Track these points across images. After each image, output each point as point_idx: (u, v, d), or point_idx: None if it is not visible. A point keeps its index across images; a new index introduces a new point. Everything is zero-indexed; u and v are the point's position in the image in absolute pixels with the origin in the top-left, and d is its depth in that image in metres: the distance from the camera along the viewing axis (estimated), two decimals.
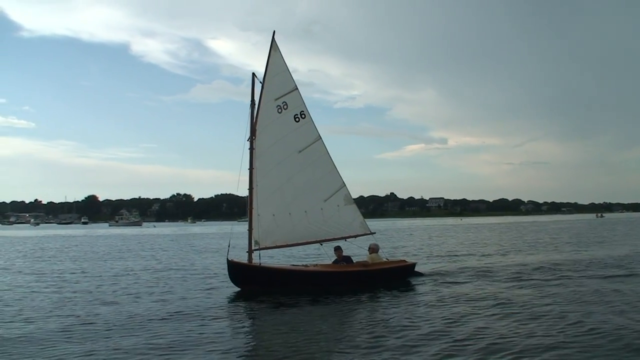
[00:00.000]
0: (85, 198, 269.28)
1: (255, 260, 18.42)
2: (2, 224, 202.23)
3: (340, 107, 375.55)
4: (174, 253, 39.04)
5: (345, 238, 19.90)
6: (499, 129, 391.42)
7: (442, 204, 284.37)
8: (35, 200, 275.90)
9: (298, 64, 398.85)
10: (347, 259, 19.60)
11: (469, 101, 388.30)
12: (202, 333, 12.37)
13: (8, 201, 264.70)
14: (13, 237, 78.81)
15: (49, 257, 36.73)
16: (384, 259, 20.37)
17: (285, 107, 19.54)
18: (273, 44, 19.49)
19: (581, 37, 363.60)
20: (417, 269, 21.11)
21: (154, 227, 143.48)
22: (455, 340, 11.17)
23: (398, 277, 19.59)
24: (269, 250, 20.04)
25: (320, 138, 20.07)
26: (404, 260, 21.10)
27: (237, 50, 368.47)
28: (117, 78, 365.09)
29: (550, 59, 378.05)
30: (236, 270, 18.20)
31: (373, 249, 19.95)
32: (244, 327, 13.61)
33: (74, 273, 25.55)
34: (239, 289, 18.15)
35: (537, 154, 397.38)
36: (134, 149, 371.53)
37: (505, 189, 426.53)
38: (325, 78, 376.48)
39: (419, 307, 15.03)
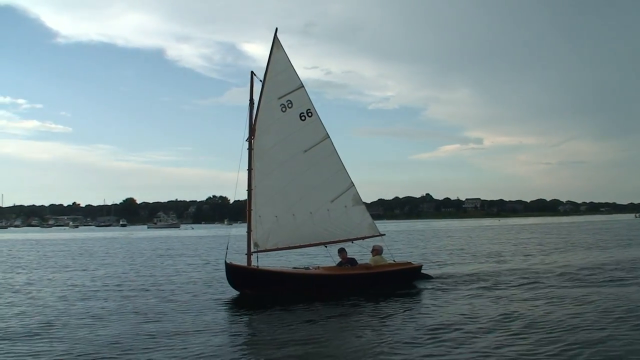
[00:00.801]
0: (123, 201, 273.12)
1: (255, 263, 17.97)
2: (42, 226, 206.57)
3: (375, 108, 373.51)
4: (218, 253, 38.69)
5: (352, 240, 19.32)
6: (535, 128, 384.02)
7: (478, 205, 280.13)
8: (74, 203, 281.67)
9: (332, 65, 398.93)
10: (352, 261, 19.01)
11: (505, 100, 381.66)
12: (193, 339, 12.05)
13: (47, 204, 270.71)
14: (57, 240, 79.22)
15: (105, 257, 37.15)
16: (389, 261, 19.60)
17: (289, 105, 19.05)
18: (275, 42, 19.02)
19: (619, 35, 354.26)
20: (430, 272, 20.56)
21: (192, 229, 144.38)
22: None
23: (403, 280, 18.87)
24: (273, 253, 19.66)
25: (328, 137, 19.53)
26: (410, 263, 20.34)
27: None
28: (152, 82, 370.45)
29: (587, 57, 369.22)
30: (234, 273, 17.77)
31: (377, 251, 19.33)
32: (238, 331, 13.27)
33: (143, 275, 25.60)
34: (237, 292, 17.82)
35: (574, 154, 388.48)
36: (169, 152, 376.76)
37: (542, 189, 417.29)
38: (359, 79, 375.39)
39: (415, 313, 14.55)
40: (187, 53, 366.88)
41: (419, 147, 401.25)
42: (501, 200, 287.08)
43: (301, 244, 19.06)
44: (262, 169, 18.65)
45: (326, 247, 19.32)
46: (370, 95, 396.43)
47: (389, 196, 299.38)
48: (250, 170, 18.53)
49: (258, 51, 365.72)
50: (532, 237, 54.21)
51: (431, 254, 34.24)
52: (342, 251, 19.12)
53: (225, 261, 17.89)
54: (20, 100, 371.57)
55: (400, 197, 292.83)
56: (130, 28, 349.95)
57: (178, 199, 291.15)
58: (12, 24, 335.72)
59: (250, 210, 18.42)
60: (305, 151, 19.21)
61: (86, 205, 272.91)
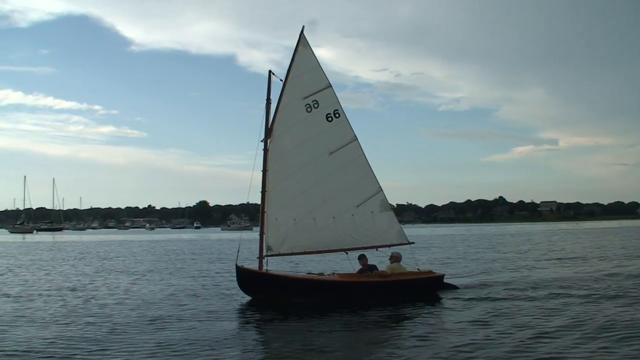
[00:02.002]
0: (197, 204, 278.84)
1: (270, 267, 17.54)
2: (118, 228, 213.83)
3: (445, 109, 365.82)
4: None
5: (377, 247, 18.39)
6: (611, 128, 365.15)
7: (554, 208, 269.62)
8: (149, 205, 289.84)
9: (401, 67, 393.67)
10: (372, 268, 18.06)
11: (580, 100, 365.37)
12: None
13: (123, 207, 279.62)
14: (142, 241, 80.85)
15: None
16: (407, 270, 18.38)
17: (315, 105, 18.36)
18: (301, 40, 18.42)
19: None
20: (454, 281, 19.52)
21: (253, 231, 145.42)
22: None
23: (421, 290, 17.79)
24: (291, 257, 19.02)
25: (356, 139, 18.73)
26: (431, 272, 19.01)
27: (339, 56, 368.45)
28: (223, 88, 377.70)
29: None
30: (244, 278, 17.40)
31: (394, 258, 18.21)
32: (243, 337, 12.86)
33: None
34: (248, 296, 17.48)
35: None
36: (241, 155, 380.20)
37: (620, 191, 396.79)
38: (429, 81, 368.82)
39: (427, 326, 13.65)
40: (258, 58, 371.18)
41: (491, 149, 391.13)
42: (577, 202, 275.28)
43: (320, 249, 18.39)
44: (281, 171, 18.07)
45: (347, 253, 18.42)
46: (440, 97, 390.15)
47: (460, 199, 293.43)
48: (264, 171, 17.94)
49: (326, 55, 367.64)
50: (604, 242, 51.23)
51: (474, 259, 32.68)
52: (362, 258, 18.17)
53: (236, 264, 17.50)
54: (97, 107, 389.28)
55: (473, 200, 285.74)
56: (202, 35, 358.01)
57: (249, 202, 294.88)
58: (87, 33, 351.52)
59: (263, 212, 17.83)
60: (331, 153, 18.47)
61: (161, 208, 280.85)
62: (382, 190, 18.89)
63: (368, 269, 18.00)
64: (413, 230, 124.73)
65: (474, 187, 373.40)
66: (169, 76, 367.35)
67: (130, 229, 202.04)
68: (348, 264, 18.44)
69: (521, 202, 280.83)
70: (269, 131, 18.08)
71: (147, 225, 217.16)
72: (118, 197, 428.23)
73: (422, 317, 14.75)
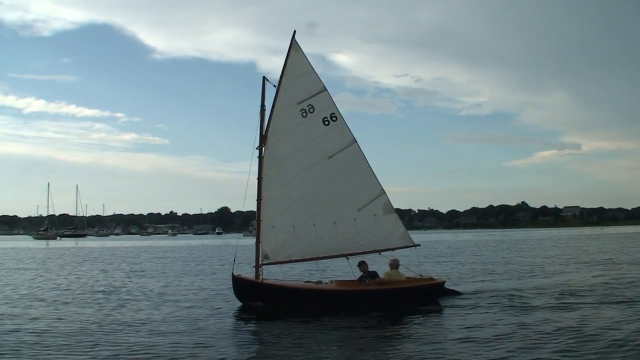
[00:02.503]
0: (218, 210, 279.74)
1: (268, 276, 17.32)
2: (141, 234, 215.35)
3: (466, 114, 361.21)
4: None
5: (379, 251, 18.01)
6: (635, 132, 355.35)
7: (577, 213, 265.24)
8: (171, 212, 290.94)
9: (422, 72, 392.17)
10: (373, 275, 17.60)
11: (603, 103, 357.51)
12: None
13: (145, 213, 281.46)
14: (166, 247, 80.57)
15: None
16: (406, 276, 17.83)
17: (311, 110, 18.09)
18: (293, 45, 18.16)
19: None
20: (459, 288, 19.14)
21: None
22: None
23: (420, 297, 17.20)
24: (291, 265, 18.75)
25: (356, 141, 18.41)
26: (432, 278, 18.40)
27: (360, 62, 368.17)
28: (244, 95, 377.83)
29: None
30: (240, 287, 17.18)
31: (393, 264, 17.69)
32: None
33: None
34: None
35: None
36: None
37: None
38: (450, 86, 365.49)
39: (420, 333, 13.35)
40: (278, 65, 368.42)
41: (513, 154, 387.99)
42: (601, 208, 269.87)
43: (320, 256, 18.10)
44: (277, 178, 17.83)
45: (348, 259, 18.00)
46: (461, 102, 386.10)
47: (482, 204, 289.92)
48: (260, 179, 17.72)
49: (347, 61, 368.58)
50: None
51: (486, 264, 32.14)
52: (362, 264, 17.77)
53: (232, 273, 17.30)
54: (119, 114, 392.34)
55: (495, 205, 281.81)
56: (223, 43, 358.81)
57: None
58: (109, 42, 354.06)
59: (259, 220, 17.59)
60: (330, 157, 18.16)
61: (183, 214, 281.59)
62: (384, 192, 18.52)
63: (369, 275, 17.60)
64: (434, 236, 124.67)
65: (496, 193, 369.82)
66: (190, 83, 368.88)
67: (152, 235, 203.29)
68: (349, 270, 18.16)
69: (544, 207, 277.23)
70: (263, 138, 17.86)
71: (170, 231, 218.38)
72: (140, 204, 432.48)
73: (418, 324, 14.48)
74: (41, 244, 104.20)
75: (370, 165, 18.52)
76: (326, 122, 18.21)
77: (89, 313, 16.59)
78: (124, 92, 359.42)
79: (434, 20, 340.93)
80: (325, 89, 18.33)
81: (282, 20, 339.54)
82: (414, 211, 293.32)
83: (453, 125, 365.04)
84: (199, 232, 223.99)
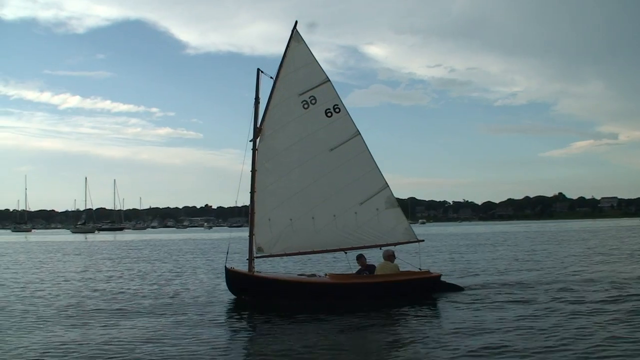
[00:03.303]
0: None
1: (268, 268, 17.13)
2: (177, 227, 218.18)
3: (501, 104, 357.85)
4: None
5: (380, 246, 17.59)
6: None
7: (615, 204, 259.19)
8: (206, 205, 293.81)
9: (455, 63, 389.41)
10: (371, 269, 17.29)
11: None
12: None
13: (181, 206, 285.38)
14: (204, 239, 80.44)
15: None
16: (399, 269, 17.36)
17: (313, 101, 17.82)
18: (294, 35, 17.87)
19: None
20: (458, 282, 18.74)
21: None
22: None
23: (414, 291, 16.79)
24: (290, 258, 18.56)
25: (359, 134, 18.06)
26: (428, 272, 17.78)
27: (393, 53, 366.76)
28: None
29: None
30: (233, 280, 17.10)
31: (388, 257, 17.22)
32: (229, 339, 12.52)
33: None
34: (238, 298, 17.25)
35: None
36: None
37: None
38: (484, 76, 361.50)
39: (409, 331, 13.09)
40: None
41: (549, 144, 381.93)
42: (639, 198, 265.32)
43: (316, 250, 17.80)
44: (274, 170, 17.64)
45: (346, 253, 17.73)
46: (496, 92, 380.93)
47: (518, 196, 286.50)
48: (253, 172, 17.52)
49: (380, 52, 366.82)
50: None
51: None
52: (360, 257, 17.49)
53: (225, 266, 17.23)
54: (154, 109, 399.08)
55: (531, 196, 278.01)
56: (256, 36, 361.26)
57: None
58: (142, 38, 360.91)
59: (253, 213, 17.45)
60: (332, 150, 17.87)
61: (217, 207, 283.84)
62: (388, 186, 18.17)
63: (367, 269, 17.31)
64: (469, 228, 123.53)
65: (533, 184, 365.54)
66: (223, 78, 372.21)
67: (188, 228, 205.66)
68: (346, 264, 17.94)
69: (581, 198, 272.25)
70: (258, 130, 17.66)
71: (205, 224, 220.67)
72: (176, 197, 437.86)
73: (413, 319, 14.16)
74: (79, 237, 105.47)
75: (374, 158, 18.17)
76: (329, 114, 17.91)
77: None
78: (159, 87, 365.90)
79: (467, 10, 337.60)
80: (328, 80, 18.03)
81: (314, 13, 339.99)
82: (449, 203, 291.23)
83: (488, 116, 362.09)
84: (234, 224, 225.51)
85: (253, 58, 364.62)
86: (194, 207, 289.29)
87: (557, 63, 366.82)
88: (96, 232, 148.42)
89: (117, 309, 15.97)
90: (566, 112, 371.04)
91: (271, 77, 17.72)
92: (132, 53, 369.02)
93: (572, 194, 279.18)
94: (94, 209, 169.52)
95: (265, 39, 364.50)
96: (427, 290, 17.17)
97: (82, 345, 11.50)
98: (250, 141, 17.62)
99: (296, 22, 17.92)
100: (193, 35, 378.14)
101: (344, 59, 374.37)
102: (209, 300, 17.35)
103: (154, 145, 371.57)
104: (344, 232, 17.62)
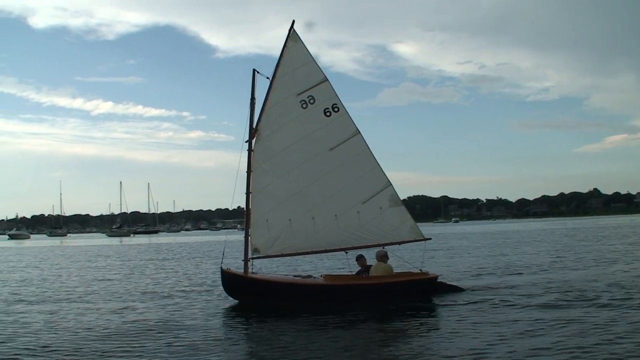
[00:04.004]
0: None
1: (271, 269, 17.11)
2: (210, 229, 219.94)
3: (533, 100, 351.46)
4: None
5: (383, 245, 17.30)
6: None
7: None
8: (238, 207, 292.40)
9: (485, 59, 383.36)
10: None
11: None
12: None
13: (213, 209, 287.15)
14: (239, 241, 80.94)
15: None
16: (392, 270, 16.99)
17: (311, 101, 17.67)
18: (291, 35, 17.76)
19: None
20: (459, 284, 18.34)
21: None
22: None
23: (410, 293, 16.34)
24: (291, 258, 18.48)
25: (359, 132, 17.84)
26: (424, 273, 17.23)
27: (422, 51, 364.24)
28: None
29: None
30: (228, 281, 17.17)
31: (381, 258, 16.85)
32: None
33: None
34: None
35: None
36: None
37: None
38: (516, 71, 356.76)
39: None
40: (340, 58, 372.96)
41: (583, 139, 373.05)
42: None
43: (315, 250, 17.65)
44: (272, 171, 17.56)
45: (346, 253, 17.50)
46: (527, 87, 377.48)
47: (553, 192, 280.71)
48: (249, 173, 17.48)
49: (409, 50, 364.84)
50: None
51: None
52: (360, 258, 17.27)
53: (221, 267, 17.29)
54: (185, 113, 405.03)
55: (566, 193, 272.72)
56: (284, 38, 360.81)
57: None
58: (172, 43, 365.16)
59: (248, 214, 17.40)
60: (332, 149, 17.69)
61: None
62: (391, 184, 17.89)
63: (367, 270, 17.07)
64: (504, 226, 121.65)
65: (567, 180, 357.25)
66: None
67: (221, 230, 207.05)
68: (347, 265, 17.80)
69: (617, 193, 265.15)
70: (255, 131, 17.61)
71: (238, 226, 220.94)
72: (208, 200, 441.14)
73: (405, 321, 14.02)
74: (114, 241, 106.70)
75: (375, 157, 17.86)
76: (327, 113, 17.75)
77: None
78: (189, 91, 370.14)
79: (496, 4, 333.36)
80: (327, 79, 17.87)
81: (342, 13, 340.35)
82: (482, 201, 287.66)
83: (520, 112, 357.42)
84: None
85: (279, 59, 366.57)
86: (227, 209, 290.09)
87: (588, 56, 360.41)
88: (132, 235, 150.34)
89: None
90: (599, 106, 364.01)
91: (267, 78, 17.66)
92: (162, 58, 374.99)
93: (607, 190, 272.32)
94: (128, 212, 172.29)
95: None
96: (423, 291, 16.71)
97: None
98: (246, 142, 17.55)
99: (293, 21, 17.87)
100: (222, 39, 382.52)
101: (372, 58, 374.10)
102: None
103: (186, 149, 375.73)
104: (345, 232, 17.42)
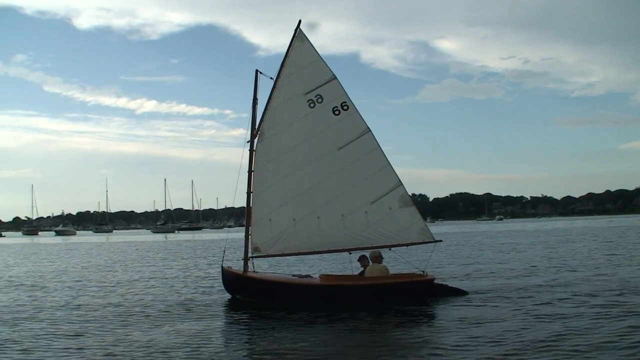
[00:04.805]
0: None
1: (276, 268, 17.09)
2: None
3: (578, 95, 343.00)
4: None
5: (390, 246, 16.99)
6: None
7: None
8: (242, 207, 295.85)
9: (529, 54, 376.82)
10: None
11: None
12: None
13: None
14: None
15: None
16: (388, 272, 16.56)
17: (319, 100, 17.49)
18: (298, 34, 17.63)
19: None
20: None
21: None
22: None
23: (405, 295, 15.84)
24: (294, 258, 18.37)
25: (370, 131, 17.53)
26: (420, 274, 16.49)
27: (464, 47, 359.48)
28: (349, 86, 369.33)
29: None
30: (227, 279, 17.63)
31: (375, 259, 16.46)
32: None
33: None
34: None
35: None
36: None
37: None
38: (560, 66, 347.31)
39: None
40: (381, 55, 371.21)
41: (630, 135, 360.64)
42: None
43: (319, 250, 17.56)
44: (277, 171, 17.49)
45: (350, 253, 17.19)
46: (572, 82, 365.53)
47: (599, 190, 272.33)
48: (250, 172, 17.47)
49: (451, 46, 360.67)
50: None
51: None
52: (363, 259, 16.88)
53: (222, 265, 17.65)
54: (228, 111, 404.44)
55: (612, 190, 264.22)
56: (326, 36, 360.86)
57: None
58: (215, 42, 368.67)
59: (249, 213, 17.44)
60: (340, 148, 17.45)
61: None
62: (402, 184, 17.51)
63: None
64: (549, 224, 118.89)
65: (613, 177, 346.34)
66: None
67: None
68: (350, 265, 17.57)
69: None
70: (258, 131, 17.57)
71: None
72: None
73: (394, 322, 13.78)
74: (159, 237, 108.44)
75: (386, 156, 17.58)
76: (336, 112, 17.54)
77: None
78: (232, 89, 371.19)
79: None
80: (335, 78, 17.65)
81: (384, 10, 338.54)
82: (526, 198, 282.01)
83: (564, 108, 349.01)
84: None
85: (324, 57, 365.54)
86: None
87: (635, 50, 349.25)
88: (176, 232, 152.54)
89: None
90: None
91: (271, 78, 17.63)
92: (205, 57, 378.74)
93: None
94: (172, 209, 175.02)
95: (335, 38, 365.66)
96: (420, 293, 16.20)
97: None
98: (248, 142, 17.54)
99: (299, 21, 17.75)
100: (263, 37, 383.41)
101: (414, 55, 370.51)
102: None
103: (229, 147, 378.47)
104: (351, 232, 17.18)
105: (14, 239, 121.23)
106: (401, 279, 16.62)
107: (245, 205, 17.54)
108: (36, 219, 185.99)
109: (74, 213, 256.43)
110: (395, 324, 13.69)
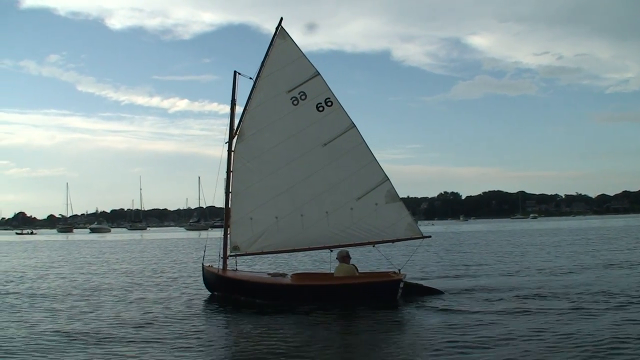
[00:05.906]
0: None
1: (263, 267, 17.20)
2: None
3: (613, 91, 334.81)
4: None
5: (373, 243, 16.89)
6: None
7: None
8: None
9: (563, 50, 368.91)
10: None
11: None
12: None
13: None
14: None
15: None
16: (354, 271, 16.18)
17: (302, 97, 17.44)
18: (279, 32, 17.61)
19: None
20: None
21: (432, 225, 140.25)
22: None
23: (375, 294, 15.32)
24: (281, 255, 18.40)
25: (354, 126, 17.39)
26: (390, 273, 16.29)
27: (497, 43, 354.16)
28: (380, 84, 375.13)
29: None
30: (206, 277, 18.09)
31: (342, 258, 16.16)
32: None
33: None
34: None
35: None
36: (399, 150, 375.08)
37: None
38: (594, 62, 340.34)
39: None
40: (413, 52, 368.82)
41: None
42: None
43: (300, 248, 17.57)
44: (259, 169, 17.50)
45: (331, 251, 16.86)
46: (607, 78, 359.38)
47: (634, 188, 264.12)
48: (229, 172, 17.63)
49: (484, 43, 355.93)
50: None
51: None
52: (344, 257, 16.52)
53: (202, 264, 18.10)
54: None
55: None
56: (357, 34, 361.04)
57: (409, 196, 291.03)
58: (246, 41, 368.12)
59: (227, 212, 17.65)
60: (325, 144, 17.37)
61: None
62: (388, 179, 17.28)
63: None
64: (583, 223, 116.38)
65: None
66: (326, 76, 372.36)
67: None
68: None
69: None
70: (237, 131, 17.68)
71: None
72: None
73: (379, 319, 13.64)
74: (193, 234, 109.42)
75: (372, 151, 17.41)
76: (320, 108, 17.46)
77: None
78: None
79: None
80: (318, 74, 17.53)
81: (414, 7, 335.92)
82: (561, 196, 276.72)
83: (599, 104, 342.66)
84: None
85: (355, 55, 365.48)
86: None
87: None
88: (209, 229, 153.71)
89: None
90: None
91: (250, 78, 17.70)
92: (237, 56, 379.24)
93: None
94: (205, 207, 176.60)
95: (366, 35, 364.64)
96: (388, 293, 15.52)
97: None
98: (226, 143, 17.64)
99: (281, 18, 17.74)
100: (295, 36, 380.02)
101: (446, 52, 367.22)
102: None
103: None
104: (336, 229, 17.05)
105: (49, 236, 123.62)
106: (368, 279, 16.36)
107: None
108: (70, 216, 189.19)
109: (108, 211, 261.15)
110: (360, 324, 13.68)
